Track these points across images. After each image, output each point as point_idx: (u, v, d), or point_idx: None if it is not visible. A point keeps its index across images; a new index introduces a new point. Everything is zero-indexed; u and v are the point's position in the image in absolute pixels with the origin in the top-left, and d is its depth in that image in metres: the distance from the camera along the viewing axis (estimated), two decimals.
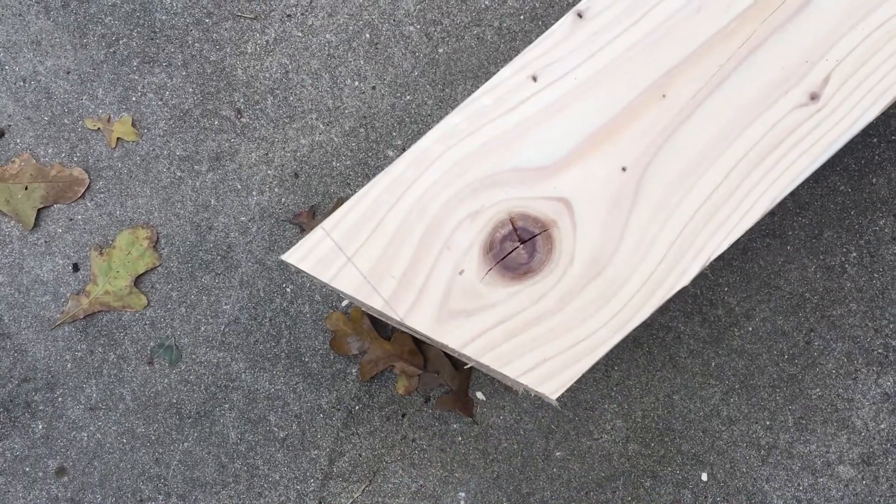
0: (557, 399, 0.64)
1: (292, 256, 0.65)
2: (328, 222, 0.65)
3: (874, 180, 1.23)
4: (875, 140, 1.24)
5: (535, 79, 0.68)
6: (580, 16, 0.69)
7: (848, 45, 0.67)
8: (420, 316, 0.64)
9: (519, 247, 0.65)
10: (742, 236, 1.21)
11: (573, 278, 0.65)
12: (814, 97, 0.66)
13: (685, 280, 0.64)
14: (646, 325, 1.22)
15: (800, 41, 0.67)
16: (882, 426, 1.18)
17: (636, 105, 0.67)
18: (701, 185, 0.66)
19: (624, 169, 0.66)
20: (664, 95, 0.67)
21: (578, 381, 1.21)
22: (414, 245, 0.65)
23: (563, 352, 0.64)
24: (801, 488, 1.18)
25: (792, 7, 0.67)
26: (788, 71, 0.67)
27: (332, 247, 0.65)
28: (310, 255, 0.65)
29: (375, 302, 0.64)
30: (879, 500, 1.17)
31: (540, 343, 0.64)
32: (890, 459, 1.18)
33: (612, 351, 1.21)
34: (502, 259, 0.65)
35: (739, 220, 0.65)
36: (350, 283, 0.65)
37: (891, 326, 1.20)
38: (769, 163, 0.66)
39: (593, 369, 1.21)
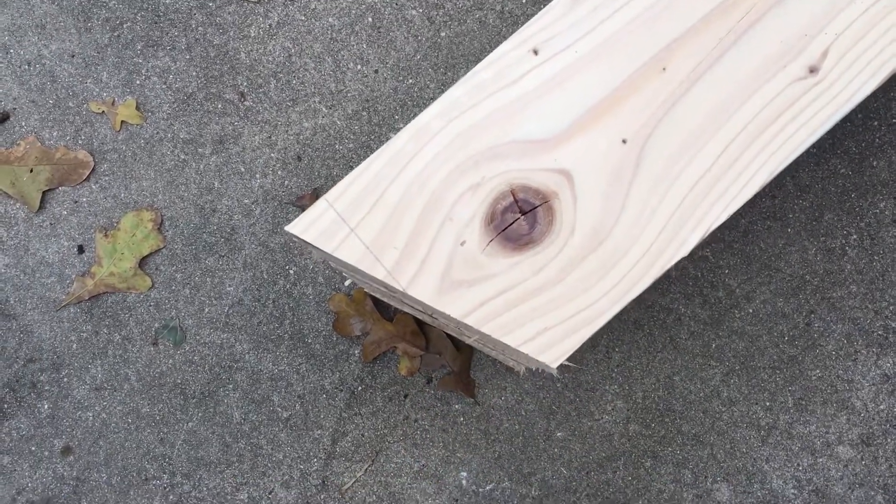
0: (558, 375, 0.65)
1: (296, 227, 0.66)
2: (331, 194, 0.66)
3: (875, 163, 1.23)
4: (876, 123, 1.24)
5: (536, 52, 0.69)
6: None
7: (847, 19, 0.67)
8: (422, 286, 0.65)
9: (520, 218, 0.66)
10: (743, 219, 1.22)
11: (574, 249, 0.65)
12: (813, 70, 0.67)
13: (684, 251, 0.65)
14: (647, 307, 1.22)
15: (799, 15, 0.68)
16: (881, 407, 1.19)
17: (637, 78, 0.68)
18: (700, 158, 0.66)
19: (624, 141, 0.67)
20: (664, 69, 0.68)
21: (579, 363, 1.22)
22: (416, 217, 0.66)
23: (563, 321, 0.64)
24: (800, 468, 1.19)
25: None
26: (787, 45, 0.67)
27: (334, 218, 0.66)
28: (313, 226, 0.66)
29: (378, 272, 0.65)
30: (879, 480, 1.18)
31: (540, 313, 0.64)
32: (889, 440, 1.19)
33: (613, 333, 1.22)
34: (503, 230, 0.66)
35: (738, 191, 0.66)
36: (352, 253, 0.65)
37: (891, 308, 1.21)
38: (768, 135, 0.66)
39: (594, 351, 1.22)
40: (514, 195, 0.66)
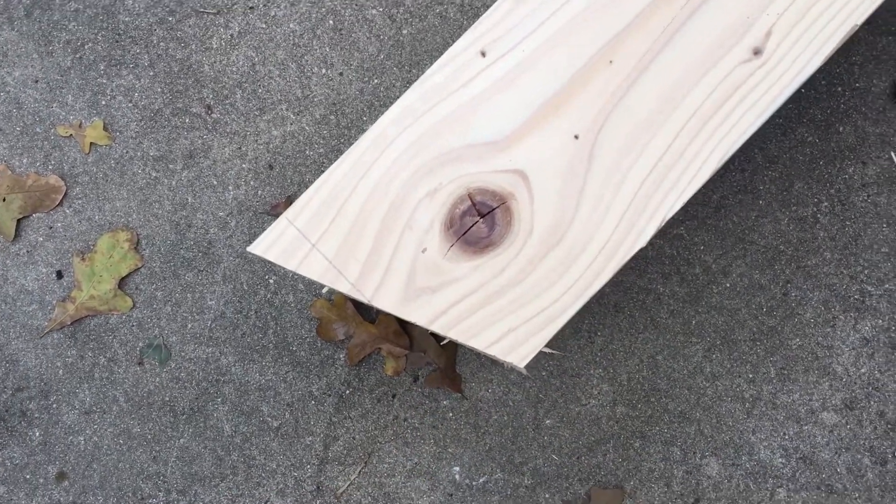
0: (527, 374, 0.66)
1: (258, 247, 0.66)
2: (291, 211, 0.67)
3: (841, 129, 1.24)
4: (840, 89, 1.25)
5: (483, 54, 0.69)
6: None
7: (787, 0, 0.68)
8: (387, 296, 0.66)
9: (479, 221, 0.67)
10: (715, 194, 1.23)
11: (533, 248, 0.66)
12: (757, 52, 0.67)
13: (642, 242, 0.66)
14: (625, 289, 1.23)
15: None
16: (862, 370, 1.21)
17: (584, 73, 0.68)
18: (652, 148, 0.67)
19: (576, 137, 0.68)
20: (611, 62, 0.68)
21: (563, 349, 1.23)
22: (376, 227, 0.67)
23: (528, 321, 0.65)
24: (786, 437, 1.21)
25: None
26: (730, 28, 0.68)
27: (296, 235, 0.66)
28: (275, 244, 0.66)
29: (342, 286, 0.65)
30: (864, 443, 1.20)
31: (505, 314, 0.65)
32: (872, 402, 1.20)
33: (594, 317, 1.23)
34: (463, 234, 0.66)
35: (691, 179, 0.67)
36: (316, 269, 0.66)
37: (865, 272, 1.22)
38: (717, 121, 0.67)
39: (577, 336, 1.23)
40: (471, 199, 0.67)
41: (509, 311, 0.65)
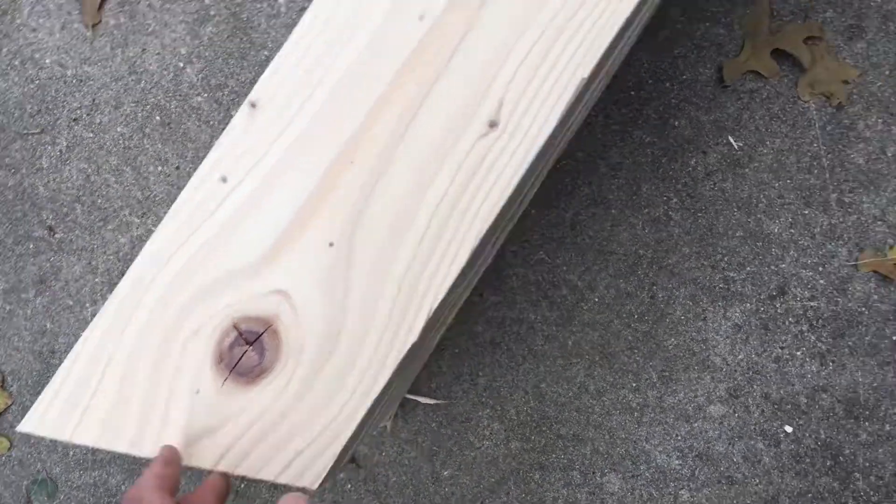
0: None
1: (27, 426, 0.65)
2: (54, 382, 0.65)
3: (676, 123, 1.25)
4: (668, 84, 1.26)
5: (224, 180, 0.68)
6: (253, 106, 0.69)
7: (512, 67, 0.68)
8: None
9: (248, 349, 0.66)
10: (567, 212, 1.23)
11: (307, 365, 0.65)
12: (493, 125, 0.67)
13: (414, 336, 0.65)
14: (498, 324, 1.23)
15: (467, 75, 0.68)
16: (740, 357, 1.22)
17: (328, 179, 0.68)
18: (407, 240, 0.67)
19: (331, 244, 0.67)
20: (352, 162, 0.68)
21: (448, 397, 1.23)
22: (145, 378, 0.66)
23: (315, 439, 0.64)
24: (679, 438, 1.21)
25: (450, 45, 0.68)
26: (463, 106, 0.68)
27: (62, 406, 0.65)
28: (44, 420, 0.65)
29: (120, 447, 0.64)
30: (755, 428, 1.21)
31: (289, 438, 0.65)
32: (755, 386, 1.21)
33: (473, 358, 1.23)
34: (235, 366, 0.66)
35: (451, 263, 0.66)
36: (91, 435, 0.65)
37: (725, 259, 1.23)
38: (465, 200, 0.67)
39: (459, 381, 1.22)
40: (236, 328, 0.66)
41: (294, 434, 0.65)
